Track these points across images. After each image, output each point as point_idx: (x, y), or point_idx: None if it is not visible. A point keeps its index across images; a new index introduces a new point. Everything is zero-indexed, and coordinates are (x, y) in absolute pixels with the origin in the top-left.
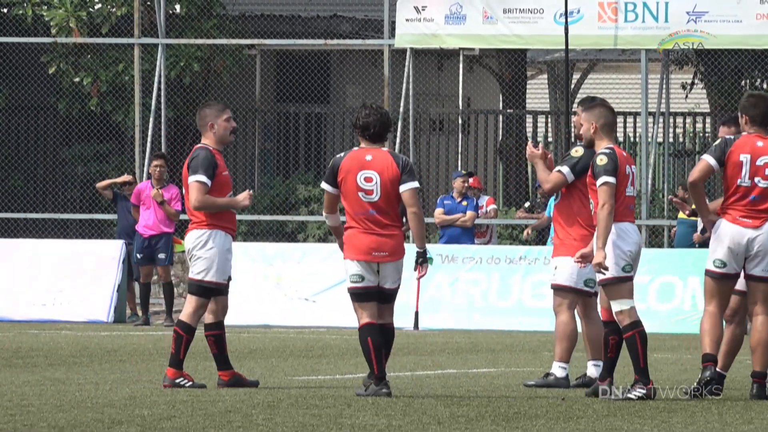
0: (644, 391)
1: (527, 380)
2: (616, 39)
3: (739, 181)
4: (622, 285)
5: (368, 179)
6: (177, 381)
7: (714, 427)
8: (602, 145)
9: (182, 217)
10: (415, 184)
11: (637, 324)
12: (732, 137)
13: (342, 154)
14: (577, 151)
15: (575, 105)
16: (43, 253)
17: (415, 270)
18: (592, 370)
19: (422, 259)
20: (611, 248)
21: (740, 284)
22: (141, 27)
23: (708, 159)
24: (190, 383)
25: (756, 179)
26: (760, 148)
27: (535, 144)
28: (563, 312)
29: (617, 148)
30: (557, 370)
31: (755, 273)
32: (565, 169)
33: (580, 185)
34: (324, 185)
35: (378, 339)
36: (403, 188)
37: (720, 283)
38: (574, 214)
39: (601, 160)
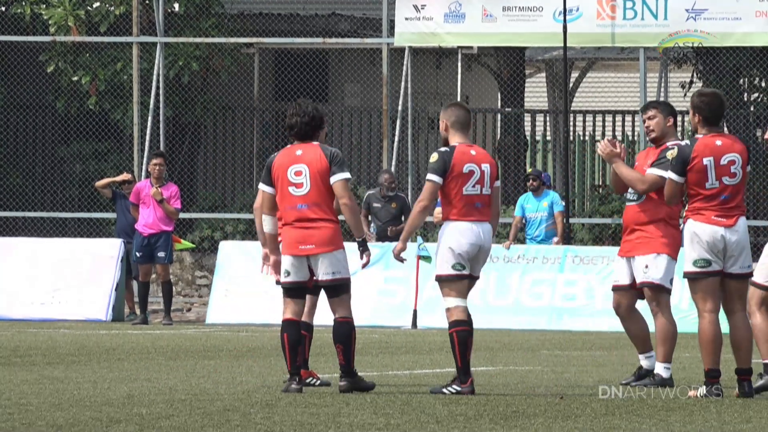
0: (459, 389)
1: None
2: (614, 37)
3: (707, 184)
4: (452, 283)
5: (298, 173)
6: (307, 381)
7: (712, 425)
8: (453, 142)
9: (181, 215)
10: (346, 175)
11: (457, 323)
12: (687, 144)
13: (275, 154)
14: (673, 154)
15: (649, 107)
16: (42, 251)
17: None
18: (646, 362)
19: (363, 248)
20: (442, 247)
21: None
22: (139, 26)
23: (671, 176)
24: (319, 381)
25: (723, 179)
26: (720, 147)
27: (613, 140)
28: (664, 311)
29: (465, 146)
30: (662, 371)
31: (733, 271)
32: (666, 172)
33: None
34: (261, 186)
35: (295, 336)
36: (333, 179)
37: (707, 282)
38: (661, 212)
39: (433, 158)
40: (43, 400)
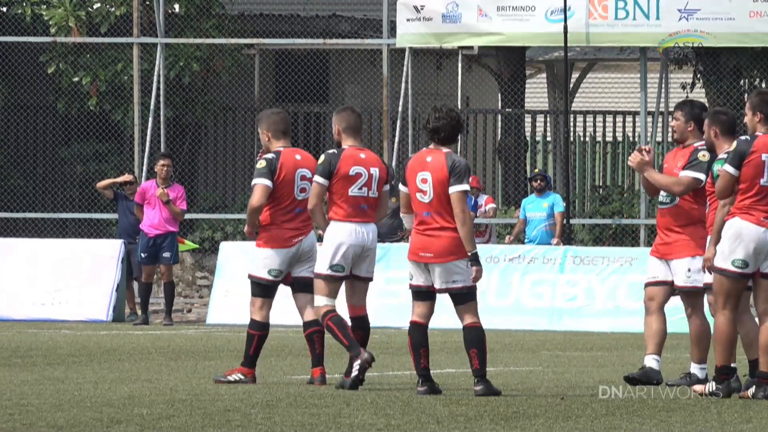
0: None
1: (669, 380)
2: (606, 37)
3: (762, 181)
4: (326, 283)
5: (424, 180)
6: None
7: (713, 425)
8: (346, 144)
9: (186, 216)
10: (464, 186)
11: (328, 313)
12: (748, 138)
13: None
14: (705, 156)
15: (673, 108)
16: (42, 252)
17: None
18: (654, 363)
19: (473, 262)
20: (326, 246)
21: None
22: (140, 26)
23: (728, 169)
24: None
25: None
26: None
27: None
28: (700, 313)
29: (354, 149)
30: (698, 371)
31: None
32: (701, 174)
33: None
34: (402, 187)
35: (418, 338)
36: (451, 190)
37: (738, 283)
38: (695, 214)
39: (319, 160)
40: (43, 401)
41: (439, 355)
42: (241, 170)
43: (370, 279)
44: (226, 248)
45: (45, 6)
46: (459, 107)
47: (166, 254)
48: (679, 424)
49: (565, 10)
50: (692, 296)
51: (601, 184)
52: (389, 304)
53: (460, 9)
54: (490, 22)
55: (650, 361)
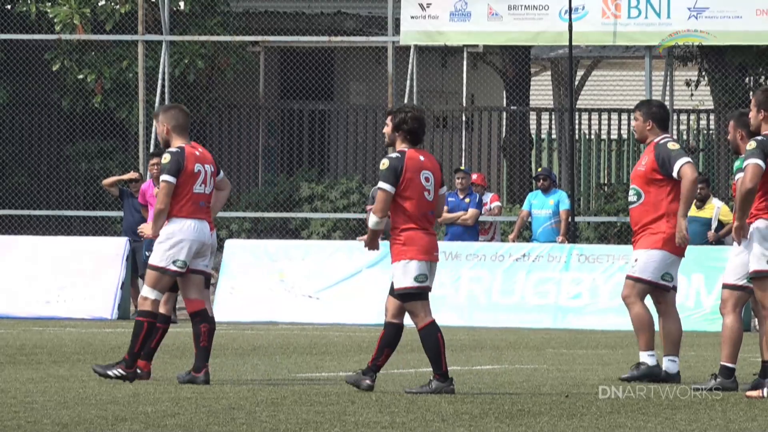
0: (124, 373)
1: (622, 374)
2: (618, 35)
3: None
4: (162, 277)
5: (427, 179)
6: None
7: (718, 424)
8: (176, 145)
9: None
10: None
11: (149, 314)
12: (766, 136)
13: (399, 155)
14: (674, 144)
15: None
16: (47, 250)
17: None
18: (669, 365)
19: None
20: (167, 241)
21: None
22: (145, 24)
23: (757, 162)
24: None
25: None
26: None
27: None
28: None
29: (191, 147)
30: (648, 359)
31: None
32: (687, 158)
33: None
34: (386, 186)
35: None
36: (441, 191)
37: None
38: (663, 210)
39: (165, 159)
40: (48, 399)
41: None
42: (245, 168)
43: (210, 274)
44: (231, 246)
45: (50, 3)
46: (464, 105)
47: None
48: (684, 422)
49: (570, 9)
50: (631, 283)
51: (606, 181)
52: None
53: (469, 7)
54: (501, 21)
55: (667, 364)
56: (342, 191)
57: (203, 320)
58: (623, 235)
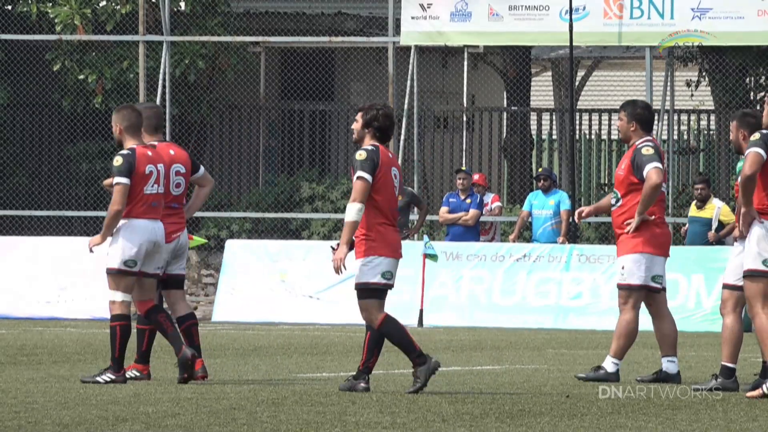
0: (114, 377)
1: (578, 373)
2: (619, 36)
3: None
4: (121, 278)
5: (395, 176)
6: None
7: (719, 424)
8: (128, 146)
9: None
10: None
11: (120, 318)
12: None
13: (374, 147)
14: (648, 149)
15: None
16: (47, 250)
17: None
18: (668, 365)
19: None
20: (120, 242)
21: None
22: (146, 24)
23: (759, 150)
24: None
25: None
26: None
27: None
28: (629, 311)
29: (143, 148)
30: (609, 365)
31: None
32: (659, 163)
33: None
34: (366, 175)
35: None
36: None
37: None
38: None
39: (117, 162)
40: (49, 399)
41: (445, 353)
42: (246, 168)
43: (159, 275)
44: (232, 246)
45: (50, 4)
46: (465, 105)
47: None
48: (685, 422)
49: (570, 9)
50: (625, 292)
51: (606, 182)
52: (395, 302)
53: (469, 8)
54: (502, 22)
55: (666, 365)
56: (343, 191)
57: (157, 312)
58: None
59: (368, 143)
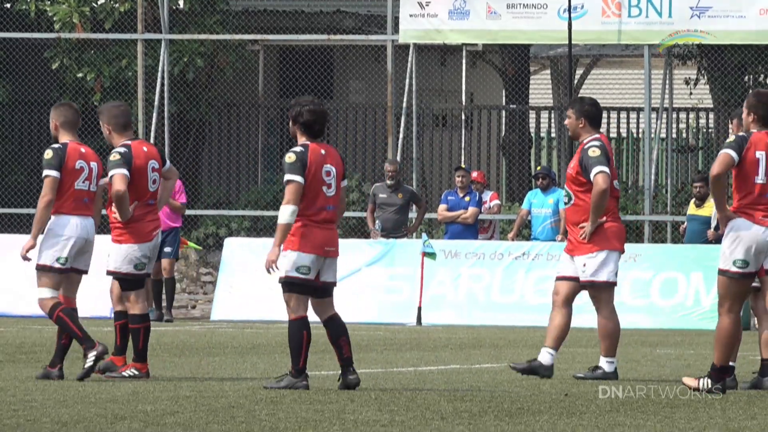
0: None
1: (577, 372)
2: (619, 34)
3: (756, 178)
4: (49, 274)
5: (328, 173)
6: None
7: (717, 422)
8: (62, 141)
9: (186, 212)
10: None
11: (55, 306)
12: (746, 134)
13: (303, 148)
14: (594, 151)
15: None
16: None
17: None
18: (606, 365)
19: None
20: (51, 239)
21: None
22: (144, 23)
23: (729, 152)
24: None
25: None
26: None
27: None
28: (604, 308)
29: (75, 144)
30: (606, 365)
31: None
32: (605, 167)
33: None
34: (296, 177)
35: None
36: (343, 184)
37: (741, 283)
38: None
39: (47, 155)
40: (47, 397)
41: (443, 351)
42: (245, 167)
43: (85, 272)
44: (231, 244)
45: (49, 2)
46: (463, 103)
47: (168, 249)
48: (683, 421)
49: (569, 7)
50: (595, 291)
51: None
52: (394, 301)
53: (468, 6)
54: (500, 20)
55: (543, 355)
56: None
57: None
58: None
59: (300, 140)
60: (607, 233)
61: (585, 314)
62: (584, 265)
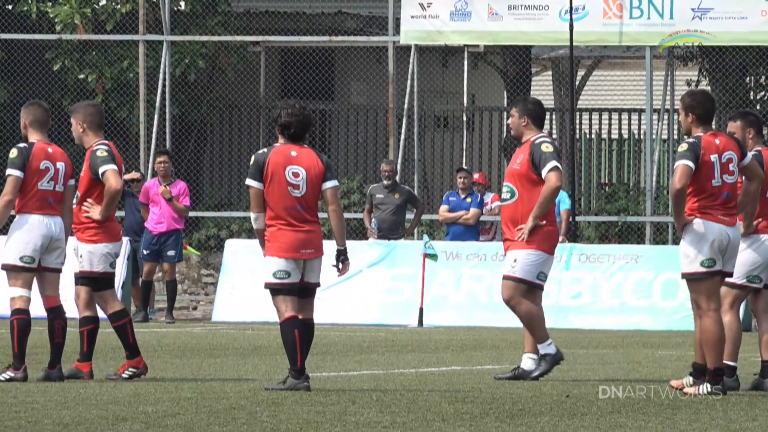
0: (12, 375)
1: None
2: (621, 35)
3: (713, 181)
4: (18, 273)
5: (296, 174)
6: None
7: (719, 423)
8: (31, 140)
9: (192, 214)
10: (337, 182)
11: (19, 312)
12: (697, 138)
13: (265, 150)
14: (547, 147)
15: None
16: None
17: (335, 266)
18: (528, 363)
19: (343, 257)
20: (16, 237)
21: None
22: (146, 24)
23: (687, 163)
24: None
25: (724, 177)
26: (719, 146)
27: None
28: (522, 303)
29: (43, 144)
30: (548, 348)
31: (726, 270)
32: (557, 163)
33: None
34: (252, 182)
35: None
36: (326, 186)
37: (711, 281)
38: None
39: (12, 154)
40: (49, 398)
41: (445, 353)
42: (246, 168)
43: (60, 270)
44: (232, 246)
45: (50, 3)
46: (465, 104)
47: (171, 252)
48: (685, 422)
49: (571, 9)
50: (513, 284)
51: (606, 181)
52: (395, 302)
53: (469, 7)
54: (502, 21)
55: (525, 361)
56: (343, 191)
57: (57, 317)
58: (624, 235)
59: (280, 141)
60: (548, 235)
61: (588, 315)
62: (515, 260)
